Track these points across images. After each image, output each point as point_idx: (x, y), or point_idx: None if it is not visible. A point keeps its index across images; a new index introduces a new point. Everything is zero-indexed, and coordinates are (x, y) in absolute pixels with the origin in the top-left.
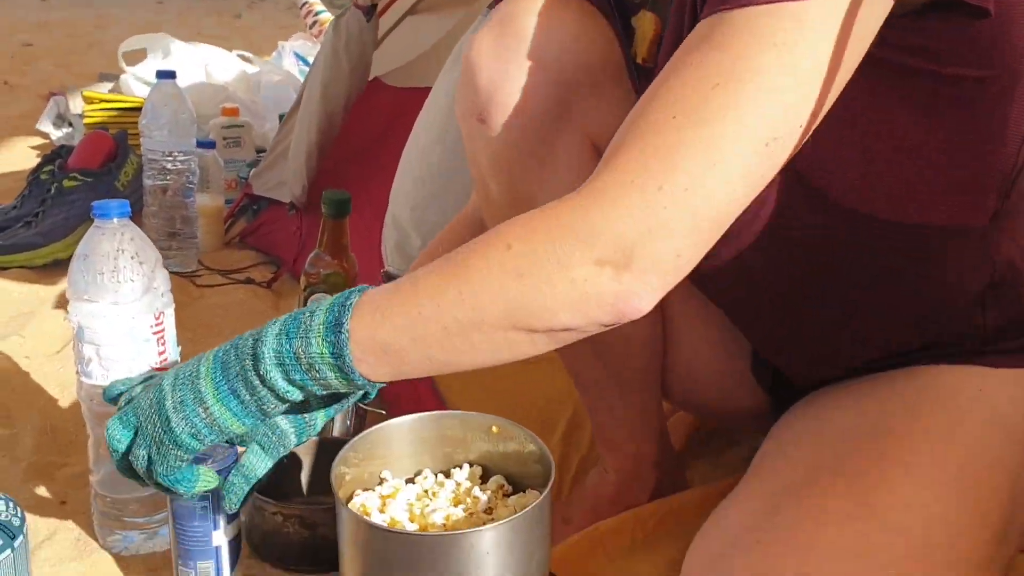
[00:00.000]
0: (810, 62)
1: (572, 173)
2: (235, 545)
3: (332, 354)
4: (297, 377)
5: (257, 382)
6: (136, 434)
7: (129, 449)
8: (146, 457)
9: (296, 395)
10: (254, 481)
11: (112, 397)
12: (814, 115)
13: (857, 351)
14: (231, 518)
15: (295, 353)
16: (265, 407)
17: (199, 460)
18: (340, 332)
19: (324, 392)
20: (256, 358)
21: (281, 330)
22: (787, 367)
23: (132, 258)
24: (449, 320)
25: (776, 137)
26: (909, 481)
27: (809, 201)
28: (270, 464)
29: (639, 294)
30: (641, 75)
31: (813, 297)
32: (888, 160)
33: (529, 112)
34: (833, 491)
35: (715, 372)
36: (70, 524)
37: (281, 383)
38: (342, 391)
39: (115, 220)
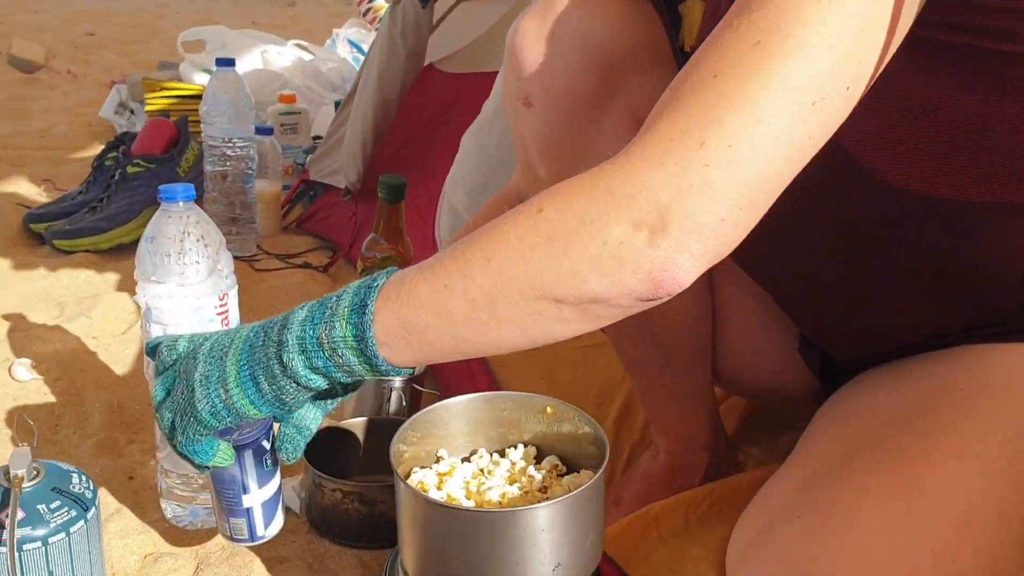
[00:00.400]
0: (856, 20)
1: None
2: (270, 506)
3: (355, 337)
4: (320, 363)
5: (279, 371)
6: (167, 396)
7: (156, 414)
8: (170, 421)
9: (319, 382)
10: (307, 432)
11: (150, 349)
12: (860, 78)
13: (905, 332)
14: (263, 481)
15: (318, 338)
16: (285, 397)
17: (229, 431)
18: (364, 313)
19: (348, 380)
20: (280, 345)
21: (308, 315)
22: (833, 349)
23: (198, 240)
24: (475, 291)
25: (823, 97)
26: (953, 456)
27: (861, 185)
28: (321, 416)
29: (678, 262)
30: (685, 60)
31: (861, 280)
32: (950, 142)
33: (575, 95)
34: (875, 467)
35: (763, 354)
36: (137, 499)
37: (302, 371)
38: (366, 378)
39: (181, 203)
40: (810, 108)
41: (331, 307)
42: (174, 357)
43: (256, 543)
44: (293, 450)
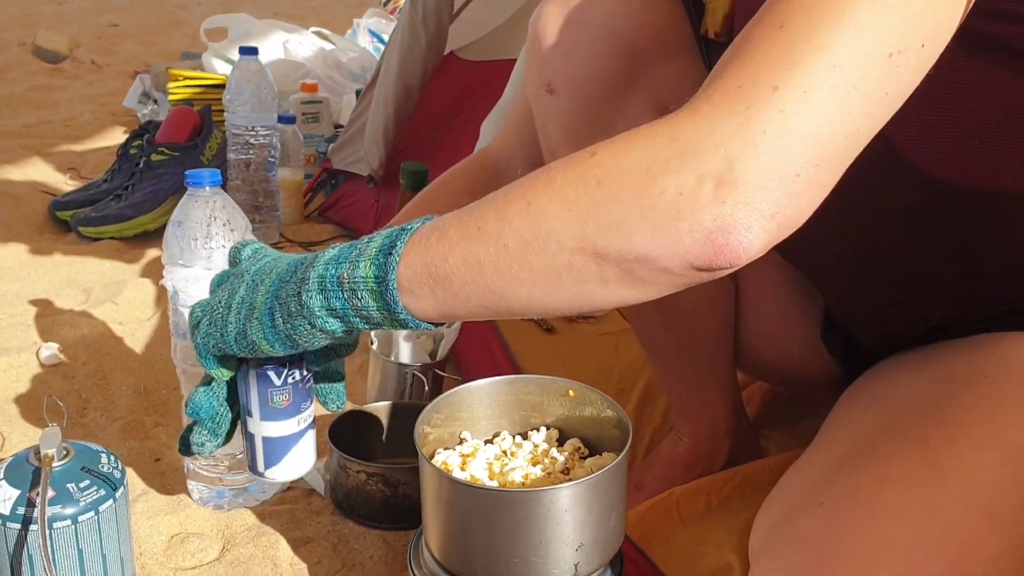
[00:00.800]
0: None
1: None
2: (276, 446)
3: (376, 278)
4: (338, 304)
5: (295, 308)
6: (207, 297)
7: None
8: (197, 321)
9: (335, 326)
10: (340, 378)
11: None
12: (937, 36)
13: (937, 316)
14: (267, 415)
15: (339, 278)
16: (297, 337)
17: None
18: (391, 254)
19: (366, 327)
20: (302, 282)
21: (336, 254)
22: (861, 331)
23: (224, 225)
24: (509, 235)
25: (900, 50)
26: (977, 444)
27: (898, 171)
28: (343, 359)
29: (745, 223)
30: (711, 49)
31: (895, 264)
32: (987, 126)
33: (598, 81)
34: (898, 454)
35: (785, 339)
36: (164, 480)
37: (319, 311)
38: (384, 327)
39: (207, 188)
40: (887, 61)
41: (360, 247)
42: (238, 260)
43: (260, 480)
44: (337, 398)
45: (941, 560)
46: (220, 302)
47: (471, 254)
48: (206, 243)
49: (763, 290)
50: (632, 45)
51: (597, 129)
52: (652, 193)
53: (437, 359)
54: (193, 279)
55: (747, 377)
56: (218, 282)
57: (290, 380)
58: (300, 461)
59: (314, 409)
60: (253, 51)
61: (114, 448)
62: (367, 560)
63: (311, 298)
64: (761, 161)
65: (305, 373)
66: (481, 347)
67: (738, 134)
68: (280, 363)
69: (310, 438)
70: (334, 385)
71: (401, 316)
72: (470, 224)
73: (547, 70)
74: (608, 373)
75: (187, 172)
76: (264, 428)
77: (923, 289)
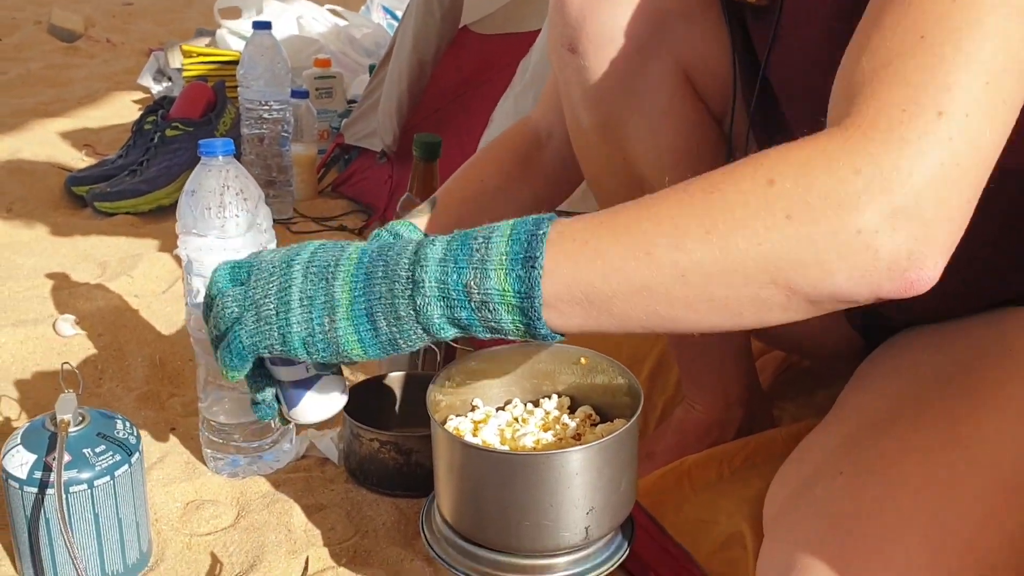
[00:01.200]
0: None
1: (665, 102)
2: (295, 390)
3: (519, 293)
4: (463, 315)
5: (406, 313)
6: (240, 289)
7: (217, 297)
8: (233, 316)
9: (450, 333)
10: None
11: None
12: None
13: (975, 293)
14: (276, 363)
15: (466, 286)
16: (402, 341)
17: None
18: (533, 267)
19: (489, 336)
20: (415, 284)
21: (447, 255)
22: (886, 306)
23: (237, 194)
24: (688, 265)
25: None
26: (999, 416)
27: None
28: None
29: (932, 256)
30: (735, 12)
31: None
32: None
33: (621, 41)
34: (919, 424)
35: None
36: (180, 449)
37: (438, 320)
38: (511, 338)
39: (220, 158)
40: (1023, 68)
41: (478, 250)
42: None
43: (289, 422)
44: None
45: (960, 534)
46: (267, 296)
47: (638, 279)
48: (219, 212)
49: None
50: (656, 7)
51: (618, 91)
52: (848, 231)
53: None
54: (207, 248)
55: (762, 346)
56: (240, 272)
57: None
58: (321, 403)
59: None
60: (267, 26)
61: (130, 418)
62: (380, 527)
63: (429, 305)
64: (943, 194)
65: None
66: None
67: (918, 168)
68: None
69: (327, 382)
70: None
71: (541, 332)
72: (634, 247)
73: (569, 30)
74: (619, 346)
75: (200, 141)
76: (277, 374)
77: (965, 267)
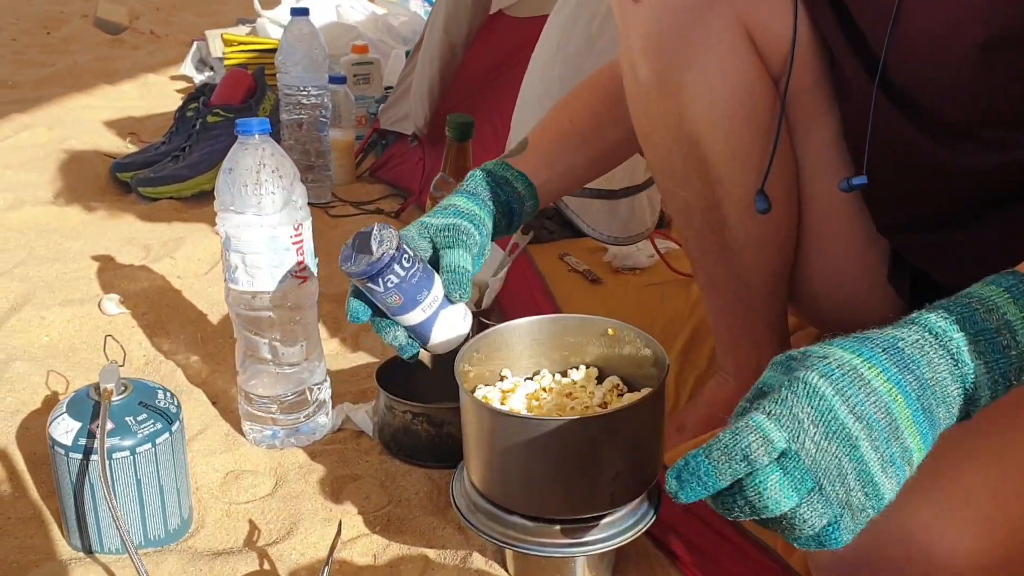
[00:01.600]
0: None
1: (723, 57)
2: (419, 327)
3: None
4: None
5: (955, 408)
6: (812, 491)
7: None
8: (828, 518)
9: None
10: (466, 274)
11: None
12: None
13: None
14: (397, 313)
15: (1010, 383)
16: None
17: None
18: None
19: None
20: (971, 400)
21: (990, 368)
22: (939, 273)
23: (273, 172)
24: None
25: None
26: None
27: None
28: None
29: None
30: None
31: (980, 215)
32: None
33: None
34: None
35: (849, 280)
36: (220, 422)
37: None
38: None
39: (256, 136)
40: None
41: (1008, 347)
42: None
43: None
44: (458, 288)
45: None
46: (841, 486)
47: None
48: (256, 189)
49: (832, 229)
50: None
51: (678, 42)
52: None
53: (482, 308)
54: (244, 225)
55: (796, 323)
56: (796, 478)
57: (389, 285)
58: (448, 333)
59: (438, 294)
60: (304, 12)
61: (175, 393)
62: (413, 496)
63: (980, 392)
64: None
65: (397, 278)
66: (526, 297)
67: None
68: (372, 278)
69: (446, 316)
70: (457, 278)
71: None
72: None
73: None
74: (653, 321)
75: (237, 121)
76: (401, 321)
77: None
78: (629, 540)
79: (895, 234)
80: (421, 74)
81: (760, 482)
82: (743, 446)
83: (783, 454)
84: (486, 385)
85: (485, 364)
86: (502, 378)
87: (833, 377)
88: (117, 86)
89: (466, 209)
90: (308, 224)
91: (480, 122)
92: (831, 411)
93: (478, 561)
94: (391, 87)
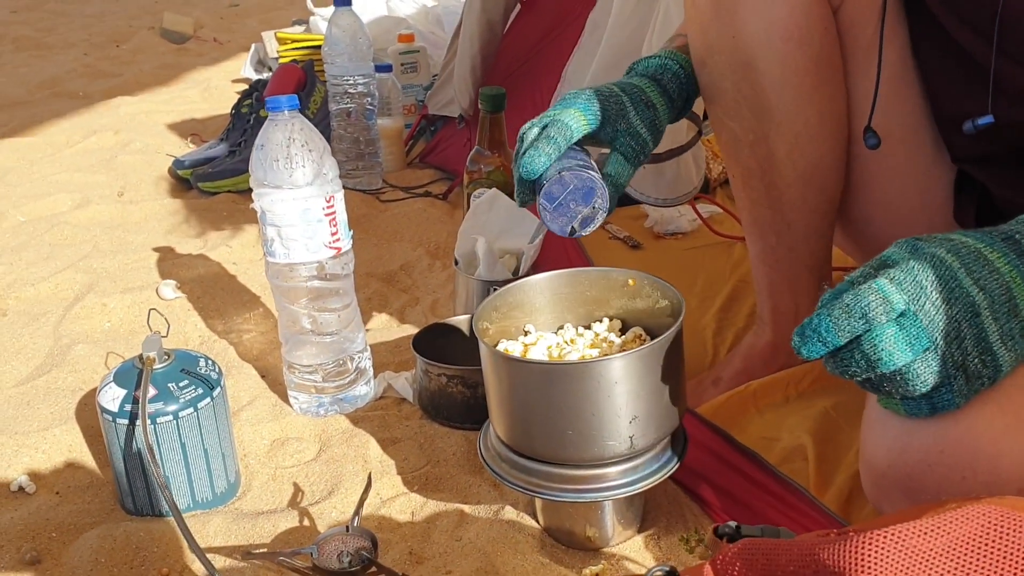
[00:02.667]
0: None
1: None
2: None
3: None
4: None
5: None
6: (927, 350)
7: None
8: (942, 378)
9: None
10: (622, 188)
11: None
12: None
13: None
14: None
15: None
16: None
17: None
18: None
19: None
20: None
21: None
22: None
23: (303, 146)
24: None
25: None
26: None
27: None
28: (632, 171)
29: None
30: None
31: None
32: None
33: None
34: None
35: (910, 220)
36: (268, 393)
37: None
38: None
39: (286, 112)
40: None
41: None
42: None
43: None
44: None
45: None
46: (967, 351)
47: None
48: (287, 164)
49: (890, 170)
50: None
51: None
52: None
53: (519, 275)
54: (279, 199)
55: (839, 276)
56: (912, 332)
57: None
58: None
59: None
60: (347, 2)
61: (225, 369)
62: (450, 456)
63: None
64: None
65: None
66: (564, 263)
67: None
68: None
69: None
70: (615, 192)
71: None
72: None
73: None
74: (693, 282)
75: (267, 98)
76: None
77: None
78: (652, 485)
79: (979, 167)
80: (463, 56)
81: (876, 335)
82: (863, 305)
83: (902, 314)
84: (508, 340)
85: (505, 320)
86: (526, 333)
87: (960, 254)
88: (180, 91)
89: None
90: (340, 196)
91: (522, 97)
92: (955, 279)
93: (510, 513)
94: (438, 75)
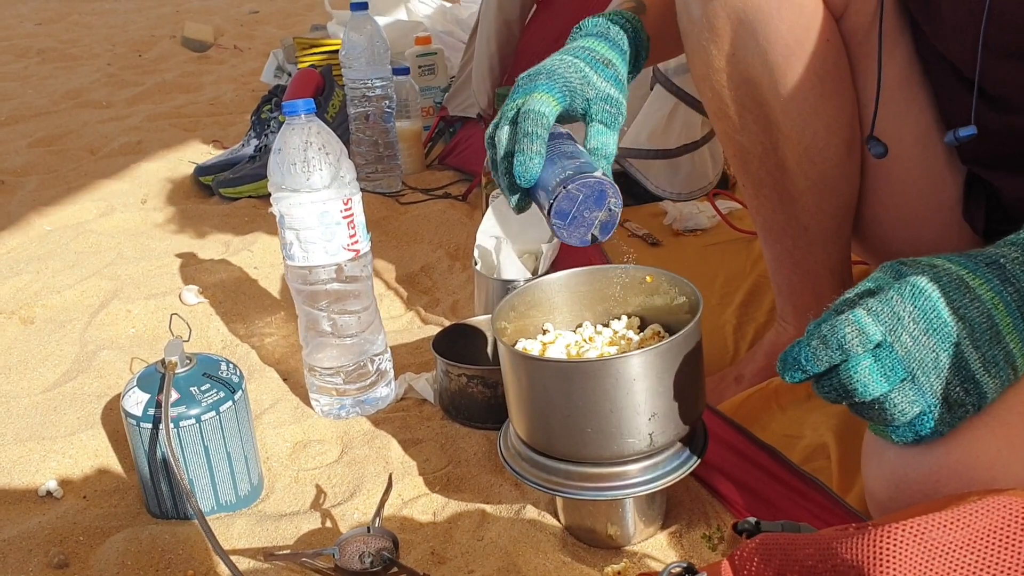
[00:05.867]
0: None
1: None
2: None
3: None
4: None
5: None
6: (904, 380)
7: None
8: (921, 407)
9: None
10: (612, 158)
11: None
12: None
13: None
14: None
15: None
16: None
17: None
18: None
19: None
20: None
21: None
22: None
23: (319, 149)
24: None
25: None
26: None
27: None
28: (615, 136)
29: None
30: None
31: None
32: None
33: None
34: None
35: (921, 220)
36: (290, 396)
37: None
38: None
39: (303, 116)
40: None
41: None
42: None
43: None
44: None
45: None
46: (944, 383)
47: None
48: (304, 167)
49: (901, 172)
50: None
51: None
52: None
53: (538, 275)
54: (297, 202)
55: (862, 269)
56: (887, 364)
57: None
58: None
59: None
60: (364, 6)
61: (247, 373)
62: (471, 457)
63: None
64: None
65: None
66: (583, 261)
67: None
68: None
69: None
70: (607, 166)
71: None
72: None
73: None
74: (713, 278)
75: (284, 103)
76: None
77: None
78: (672, 482)
79: (987, 170)
80: (480, 55)
81: (852, 366)
82: (839, 336)
83: (879, 345)
84: (527, 339)
85: (524, 319)
86: (544, 332)
87: (941, 282)
88: (201, 98)
89: (618, 68)
90: (358, 198)
91: None
92: (934, 310)
93: (531, 512)
94: (456, 77)
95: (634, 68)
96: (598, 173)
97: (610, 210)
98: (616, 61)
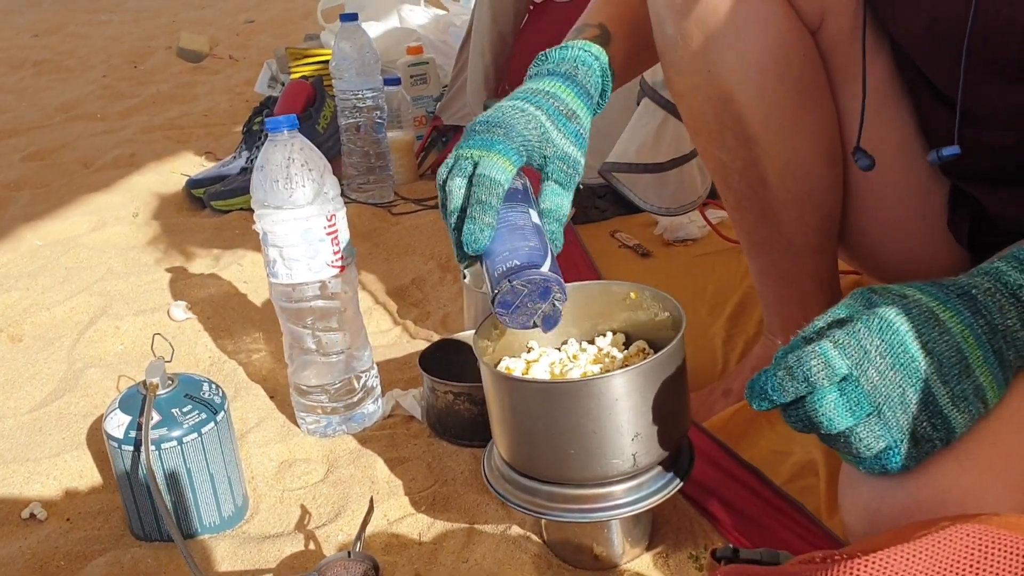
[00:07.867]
0: None
1: (753, 6)
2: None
3: None
4: None
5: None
6: (870, 415)
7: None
8: (887, 443)
9: None
10: (564, 219)
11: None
12: None
13: None
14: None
15: None
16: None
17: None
18: None
19: None
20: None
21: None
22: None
23: (302, 165)
24: None
25: None
26: None
27: None
28: (571, 196)
29: None
30: None
31: None
32: None
33: None
34: None
35: (906, 230)
36: (277, 414)
37: None
38: None
39: (285, 132)
40: None
41: None
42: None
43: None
44: (559, 241)
45: None
46: (902, 409)
47: None
48: (287, 184)
49: (887, 178)
50: None
51: None
52: None
53: None
54: (280, 219)
55: (850, 281)
56: (854, 400)
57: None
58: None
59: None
60: (353, 17)
61: (233, 390)
62: (458, 475)
63: None
64: None
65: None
66: (573, 275)
67: None
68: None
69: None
70: (559, 228)
71: None
72: None
73: None
74: (702, 290)
75: (266, 119)
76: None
77: None
78: (657, 503)
79: (969, 183)
80: (475, 66)
81: (817, 400)
82: (804, 368)
83: (845, 379)
84: (511, 356)
85: (508, 336)
86: (529, 349)
87: (911, 314)
88: (195, 109)
89: (582, 120)
90: (342, 214)
91: None
92: (902, 344)
93: (517, 532)
94: (448, 86)
95: (599, 105)
96: (545, 266)
97: (554, 305)
98: (580, 112)
